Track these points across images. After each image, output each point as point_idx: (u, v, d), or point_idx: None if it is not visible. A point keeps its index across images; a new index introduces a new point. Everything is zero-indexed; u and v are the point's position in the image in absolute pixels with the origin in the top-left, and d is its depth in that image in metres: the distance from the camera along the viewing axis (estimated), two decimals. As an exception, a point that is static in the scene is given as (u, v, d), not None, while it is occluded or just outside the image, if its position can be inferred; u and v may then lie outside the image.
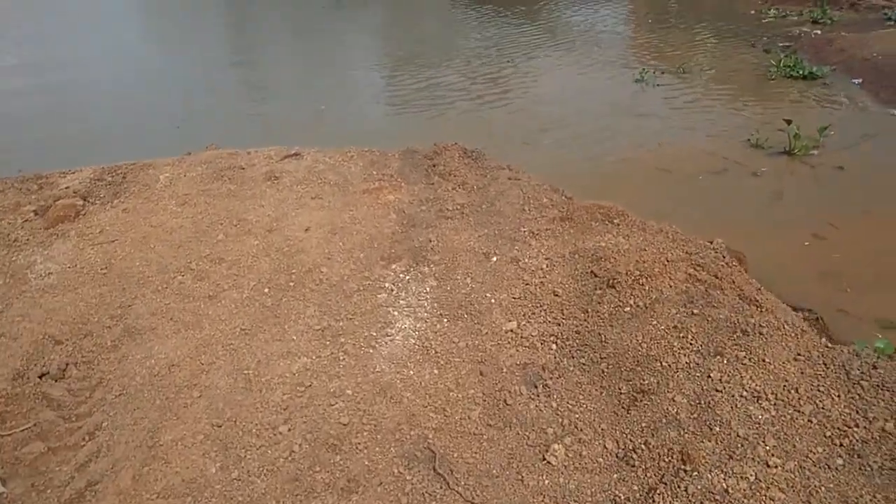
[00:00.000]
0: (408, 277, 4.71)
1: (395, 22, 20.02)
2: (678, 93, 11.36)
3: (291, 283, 4.70)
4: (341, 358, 4.02)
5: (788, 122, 8.43)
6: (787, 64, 11.87)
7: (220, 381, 3.88)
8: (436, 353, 4.00)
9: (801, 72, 11.67)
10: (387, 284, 4.65)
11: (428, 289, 4.58)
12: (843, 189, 7.28)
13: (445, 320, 4.27)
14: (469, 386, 3.75)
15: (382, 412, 3.61)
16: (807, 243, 6.08)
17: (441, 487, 3.16)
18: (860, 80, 11.30)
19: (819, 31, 13.85)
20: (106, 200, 5.97)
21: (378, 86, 13.35)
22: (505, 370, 3.82)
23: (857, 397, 3.09)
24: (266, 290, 4.66)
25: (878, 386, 3.11)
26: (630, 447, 3.16)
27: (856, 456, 2.82)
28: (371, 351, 4.06)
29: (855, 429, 2.93)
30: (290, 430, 3.53)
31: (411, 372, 3.88)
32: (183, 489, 3.21)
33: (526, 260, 4.72)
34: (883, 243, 6.00)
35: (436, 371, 3.87)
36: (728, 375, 3.31)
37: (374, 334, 4.20)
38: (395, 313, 4.38)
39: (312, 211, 5.60)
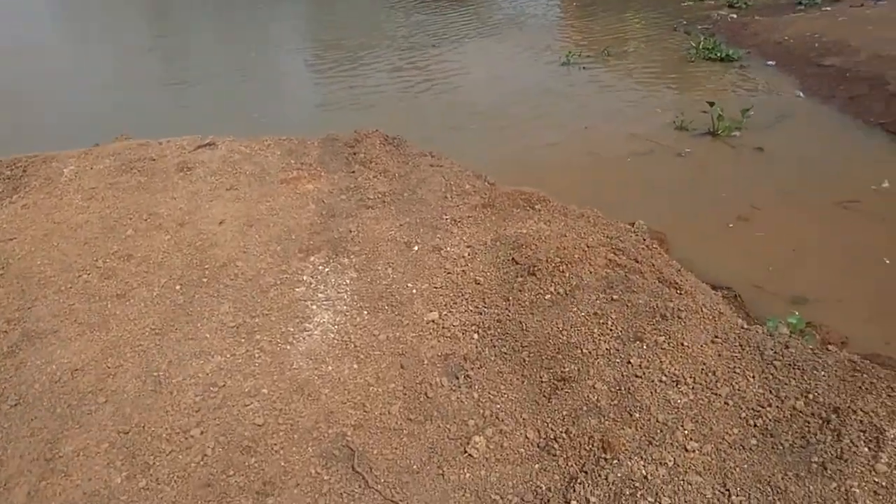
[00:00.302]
0: (327, 269, 4.58)
1: (321, 7, 19.64)
2: (604, 75, 11.49)
3: (205, 279, 4.50)
4: (257, 356, 3.87)
5: (711, 104, 8.60)
6: (707, 46, 12.14)
7: (127, 385, 3.68)
8: (355, 346, 3.90)
9: (718, 54, 11.95)
10: (305, 277, 4.51)
11: (348, 281, 4.46)
12: (763, 170, 7.46)
13: (366, 312, 4.16)
14: (389, 380, 3.66)
15: (299, 411, 3.49)
16: (731, 225, 6.19)
17: (360, 486, 3.08)
18: (774, 63, 11.62)
19: (735, 15, 14.22)
20: (3, 196, 5.63)
21: (301, 72, 13.06)
22: (426, 362, 3.74)
23: (771, 377, 3.13)
24: (178, 286, 4.45)
25: (789, 365, 3.16)
26: (551, 436, 3.13)
27: (769, 435, 2.85)
28: (288, 347, 3.93)
29: (768, 408, 2.97)
30: (202, 433, 3.38)
31: (330, 367, 3.76)
32: (84, 503, 3.02)
33: (448, 248, 4.64)
34: (802, 223, 6.18)
35: (355, 365, 3.77)
36: (647, 361, 3.32)
37: (292, 330, 4.06)
38: (314, 307, 4.24)
39: (227, 203, 5.39)
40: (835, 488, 2.56)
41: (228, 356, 3.86)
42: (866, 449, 2.65)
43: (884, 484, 2.53)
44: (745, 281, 5.32)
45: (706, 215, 6.48)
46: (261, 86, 12.11)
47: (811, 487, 2.58)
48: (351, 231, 4.92)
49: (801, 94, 10.08)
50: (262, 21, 17.72)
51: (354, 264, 4.60)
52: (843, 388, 2.95)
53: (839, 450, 2.68)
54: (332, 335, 4.00)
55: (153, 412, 3.50)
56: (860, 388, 2.93)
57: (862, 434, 2.71)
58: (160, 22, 19.17)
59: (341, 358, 3.82)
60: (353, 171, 5.81)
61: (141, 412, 3.50)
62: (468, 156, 7.07)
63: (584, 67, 11.92)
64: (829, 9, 13.47)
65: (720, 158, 8.00)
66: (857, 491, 2.52)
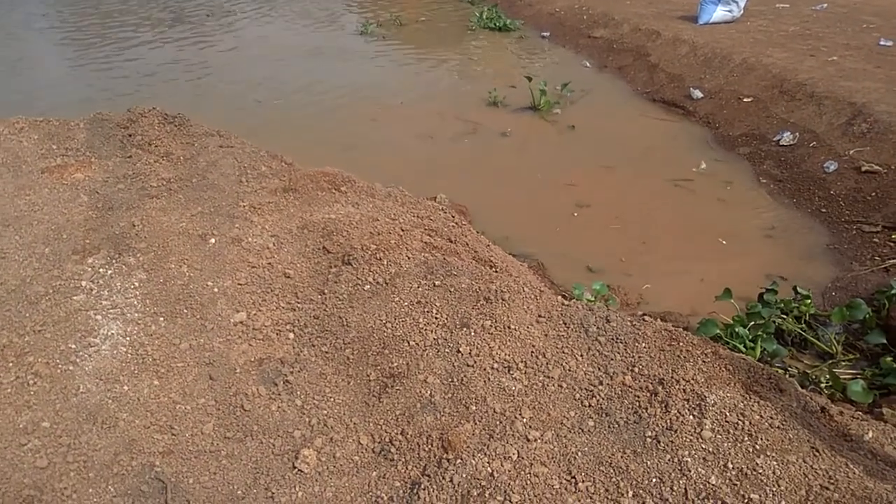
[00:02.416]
0: (110, 272, 4.00)
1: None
2: (402, 47, 11.46)
3: (-49, 296, 3.76)
4: (31, 382, 3.27)
5: (529, 78, 8.80)
6: (490, 16, 12.46)
7: None
8: (154, 360, 3.43)
9: (497, 24, 12.31)
10: (84, 283, 3.91)
11: (136, 283, 3.93)
12: (580, 145, 7.80)
13: (162, 319, 3.69)
14: (198, 394, 3.27)
15: (93, 443, 3.00)
16: (575, 214, 6.38)
17: (177, 524, 2.71)
18: (548, 34, 12.17)
19: (511, -15, 14.70)
20: None
21: (53, 46, 11.54)
22: (238, 370, 3.39)
23: (598, 353, 3.19)
24: (-85, 307, 3.67)
25: (613, 339, 3.24)
26: (387, 440, 2.95)
27: (604, 414, 2.90)
28: (71, 368, 3.37)
29: (600, 387, 3.02)
30: (-34, 489, 2.80)
31: (125, 387, 3.28)
32: None
33: (249, 239, 4.26)
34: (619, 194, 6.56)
35: (156, 382, 3.32)
36: (477, 348, 3.24)
37: (74, 346, 3.49)
38: (98, 317, 3.68)
39: (-26, 200, 4.55)
40: (669, 460, 2.65)
41: (-7, 387, 3.24)
42: (692, 417, 2.78)
43: (711, 450, 2.67)
44: (561, 257, 5.56)
45: (532, 191, 6.68)
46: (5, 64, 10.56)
47: (648, 463, 2.65)
48: (134, 225, 4.35)
49: (588, 63, 10.66)
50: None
51: (142, 264, 4.06)
52: (664, 359, 3.08)
53: (668, 421, 2.78)
54: (125, 349, 3.49)
55: None
56: (679, 356, 3.07)
57: (686, 403, 2.83)
58: None
59: (138, 374, 3.35)
60: (130, 156, 5.15)
61: None
62: (274, 135, 6.71)
63: (382, 38, 11.83)
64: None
65: (543, 137, 8.26)
66: (689, 460, 2.63)
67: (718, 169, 7.12)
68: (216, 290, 3.88)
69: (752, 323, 4.53)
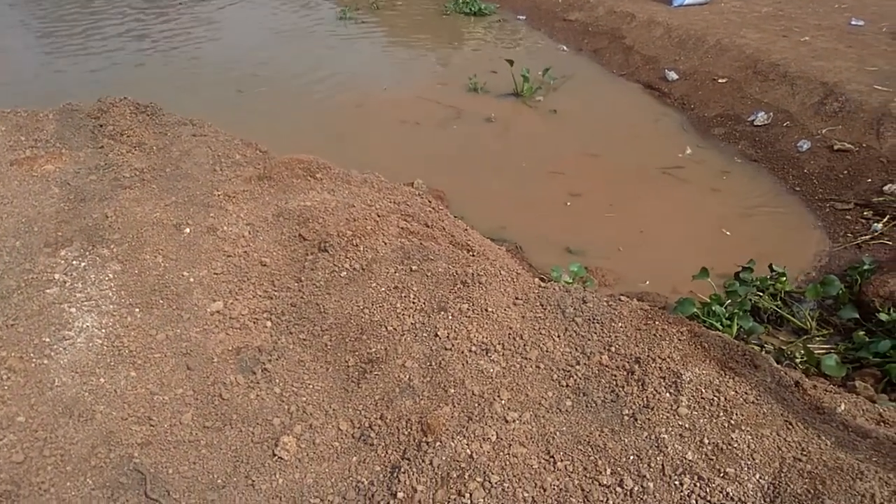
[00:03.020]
0: (83, 264, 3.95)
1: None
2: (380, 31, 11.39)
3: (-79, 291, 3.70)
4: (5, 377, 3.23)
5: (511, 62, 8.78)
6: (465, 0, 12.42)
7: None
8: (130, 351, 3.40)
9: (472, 8, 12.26)
10: (57, 276, 3.86)
11: (111, 275, 3.89)
12: (567, 131, 7.80)
13: (137, 310, 3.65)
14: (176, 385, 3.25)
15: (70, 437, 2.97)
16: (568, 204, 6.37)
17: (157, 514, 2.70)
18: (524, 17, 12.14)
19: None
20: None
21: (24, 35, 11.33)
22: (216, 359, 3.37)
23: (575, 334, 3.20)
24: None
25: (589, 320, 3.26)
26: (366, 424, 2.95)
27: (581, 394, 2.92)
28: (46, 362, 3.33)
29: (577, 367, 3.04)
30: (-59, 487, 2.77)
31: (102, 380, 3.25)
32: None
33: (224, 228, 4.23)
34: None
35: (133, 373, 3.29)
36: (455, 331, 3.24)
37: (48, 340, 3.45)
38: (73, 310, 3.64)
39: (-58, 194, 4.47)
40: (646, 437, 2.67)
41: (-34, 383, 3.19)
42: (668, 394, 2.80)
43: (687, 426, 2.69)
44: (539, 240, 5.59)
45: (525, 183, 6.67)
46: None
47: (626, 441, 2.68)
48: (107, 216, 4.29)
49: (565, 48, 10.66)
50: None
51: (116, 255, 4.02)
52: (640, 338, 3.10)
53: (645, 399, 2.81)
54: (100, 341, 3.46)
55: None
56: (655, 335, 3.10)
57: (662, 380, 2.86)
58: None
59: (115, 367, 3.32)
60: (102, 147, 5.08)
61: None
62: (252, 127, 6.67)
63: (362, 21, 11.78)
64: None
65: (526, 122, 8.24)
66: (666, 437, 2.65)
67: (705, 155, 7.14)
68: (192, 279, 3.85)
69: (729, 301, 4.58)
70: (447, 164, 6.99)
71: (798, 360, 4.15)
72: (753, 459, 2.57)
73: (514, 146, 7.52)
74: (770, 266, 4.98)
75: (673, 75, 8.79)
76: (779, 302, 4.73)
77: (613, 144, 7.39)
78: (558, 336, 3.19)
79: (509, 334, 3.21)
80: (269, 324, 3.57)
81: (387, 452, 2.82)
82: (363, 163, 5.36)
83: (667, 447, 2.62)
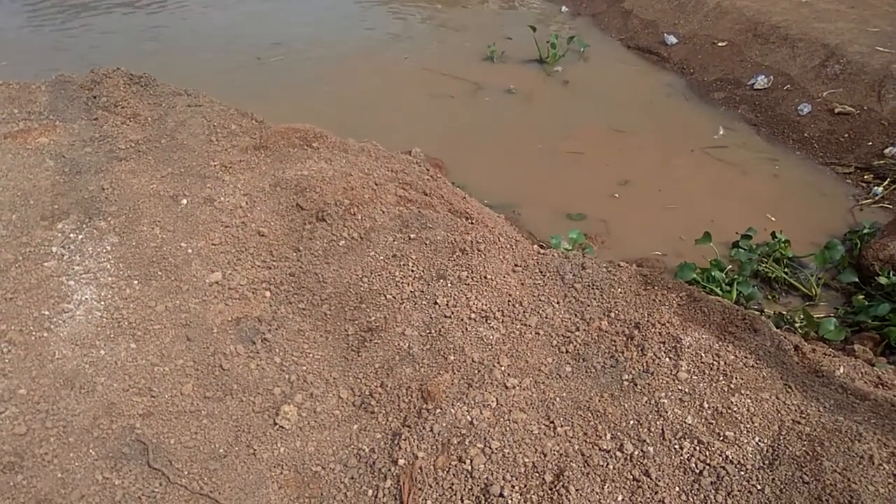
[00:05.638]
0: (81, 236, 3.94)
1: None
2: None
3: (-83, 265, 3.68)
4: (6, 350, 3.24)
5: (534, 28, 8.65)
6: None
7: None
8: (130, 323, 3.41)
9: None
10: (54, 249, 3.85)
11: (108, 247, 3.88)
12: (588, 103, 7.66)
13: (136, 282, 3.65)
14: (176, 356, 3.26)
15: (72, 408, 2.99)
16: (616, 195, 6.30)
17: (161, 484, 2.72)
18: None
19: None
20: None
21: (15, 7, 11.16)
22: (216, 330, 3.37)
23: (574, 300, 3.20)
24: None
25: (589, 286, 3.25)
26: (366, 392, 2.97)
27: (581, 360, 2.93)
28: (46, 335, 3.33)
29: (576, 332, 3.04)
30: (-55, 459, 2.78)
31: (102, 352, 3.26)
32: None
33: (222, 199, 4.20)
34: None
35: (133, 345, 3.30)
36: (454, 299, 3.24)
37: (47, 313, 3.45)
38: (71, 283, 3.64)
39: (-64, 168, 4.43)
40: (646, 402, 2.68)
41: (-33, 357, 3.20)
42: (668, 359, 2.81)
43: (686, 391, 2.70)
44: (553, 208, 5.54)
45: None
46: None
47: (626, 405, 2.69)
48: (104, 189, 4.27)
49: (566, 7, 10.54)
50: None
51: (114, 227, 4.00)
52: (639, 303, 3.10)
53: (645, 364, 2.81)
54: (100, 313, 3.46)
55: None
56: (654, 300, 3.10)
57: (662, 345, 2.86)
58: None
59: (115, 338, 3.32)
60: (96, 119, 5.03)
61: None
62: (272, 97, 6.57)
63: None
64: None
65: (549, 94, 8.09)
66: (666, 401, 2.66)
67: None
68: (190, 251, 3.83)
69: (729, 266, 4.57)
70: (479, 137, 6.89)
71: (798, 325, 4.15)
72: (753, 423, 2.59)
73: (540, 118, 7.38)
74: (773, 234, 4.94)
75: (672, 39, 8.69)
76: (783, 268, 4.70)
77: (643, 122, 7.23)
78: (558, 302, 3.19)
79: (509, 301, 3.21)
80: (268, 294, 3.57)
81: (387, 420, 2.83)
82: (396, 139, 5.26)
83: (667, 411, 2.63)
